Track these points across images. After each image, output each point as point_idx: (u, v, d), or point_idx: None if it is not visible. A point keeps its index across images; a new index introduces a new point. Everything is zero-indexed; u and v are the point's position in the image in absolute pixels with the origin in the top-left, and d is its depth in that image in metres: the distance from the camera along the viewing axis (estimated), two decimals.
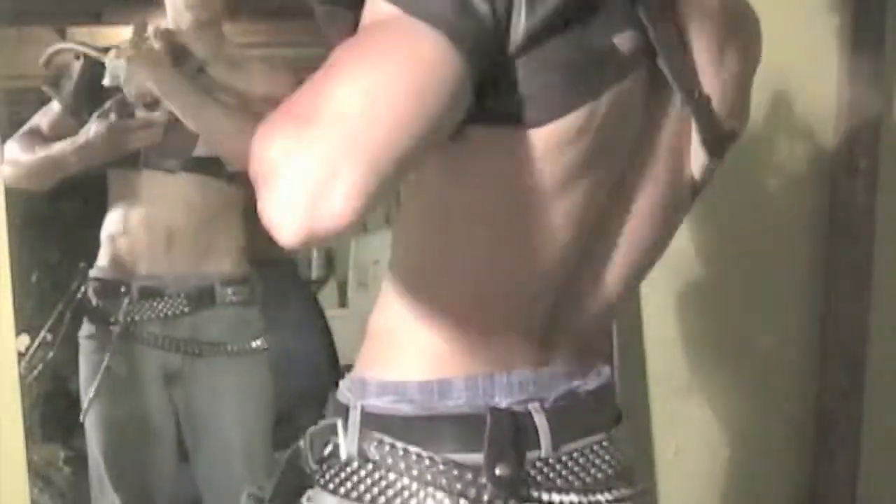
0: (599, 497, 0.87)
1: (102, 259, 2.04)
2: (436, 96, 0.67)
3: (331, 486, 0.85)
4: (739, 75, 0.91)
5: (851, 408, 2.15)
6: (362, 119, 0.64)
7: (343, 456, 0.84)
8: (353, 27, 0.73)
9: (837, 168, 2.11)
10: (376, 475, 0.82)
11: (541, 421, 0.84)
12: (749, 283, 2.18)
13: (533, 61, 0.74)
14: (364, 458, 0.83)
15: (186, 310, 1.97)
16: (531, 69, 0.74)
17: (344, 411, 0.86)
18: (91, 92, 1.93)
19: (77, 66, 1.92)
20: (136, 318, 1.96)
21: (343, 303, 3.78)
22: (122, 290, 1.97)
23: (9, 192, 1.86)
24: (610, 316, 0.96)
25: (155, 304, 1.96)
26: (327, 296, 3.48)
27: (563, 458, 0.85)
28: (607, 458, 0.89)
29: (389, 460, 0.82)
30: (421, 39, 0.67)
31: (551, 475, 0.84)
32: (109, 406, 2.01)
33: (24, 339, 3.14)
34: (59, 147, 1.97)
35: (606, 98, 0.77)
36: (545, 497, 0.83)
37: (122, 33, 3.38)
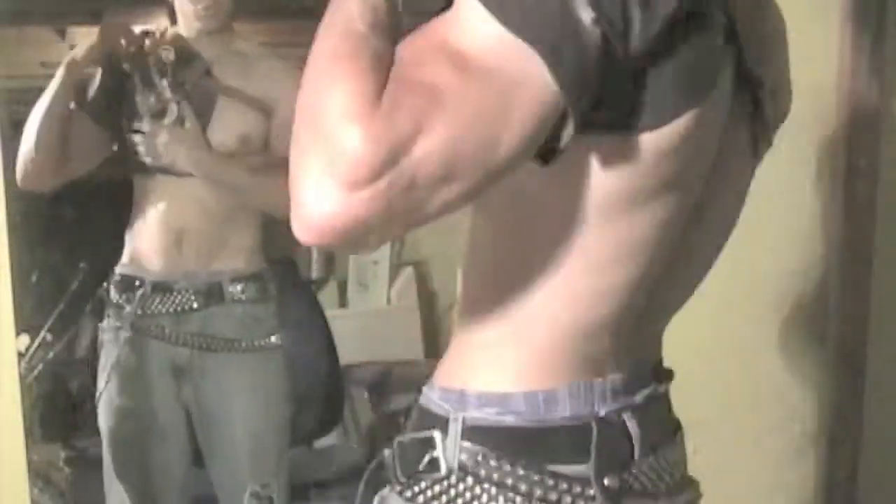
0: (678, 499, 0.89)
1: (125, 257, 2.10)
2: (531, 127, 0.69)
3: (421, 499, 0.84)
4: (787, 58, 0.94)
5: (851, 408, 2.15)
6: (467, 146, 0.67)
7: (442, 470, 0.83)
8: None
9: (837, 168, 2.11)
10: (477, 489, 0.81)
11: (633, 428, 0.85)
12: (749, 282, 2.18)
13: (648, 69, 0.74)
14: (465, 472, 0.82)
15: (195, 305, 2.03)
16: (646, 77, 0.74)
17: (442, 423, 0.84)
18: (112, 97, 1.96)
19: (99, 72, 1.95)
20: (148, 311, 2.02)
21: (343, 303, 3.79)
22: (137, 284, 2.03)
23: (9, 192, 1.86)
24: (672, 316, 0.97)
25: (165, 298, 2.03)
26: (327, 296, 3.49)
27: (651, 463, 0.86)
28: (677, 461, 0.91)
29: (496, 475, 0.81)
30: (524, 72, 0.68)
31: (644, 481, 0.85)
32: (119, 396, 2.04)
33: (24, 339, 3.15)
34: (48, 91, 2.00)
35: (710, 100, 0.78)
36: (641, 502, 0.84)
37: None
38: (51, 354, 3.71)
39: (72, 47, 3.50)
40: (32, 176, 1.98)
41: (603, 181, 0.78)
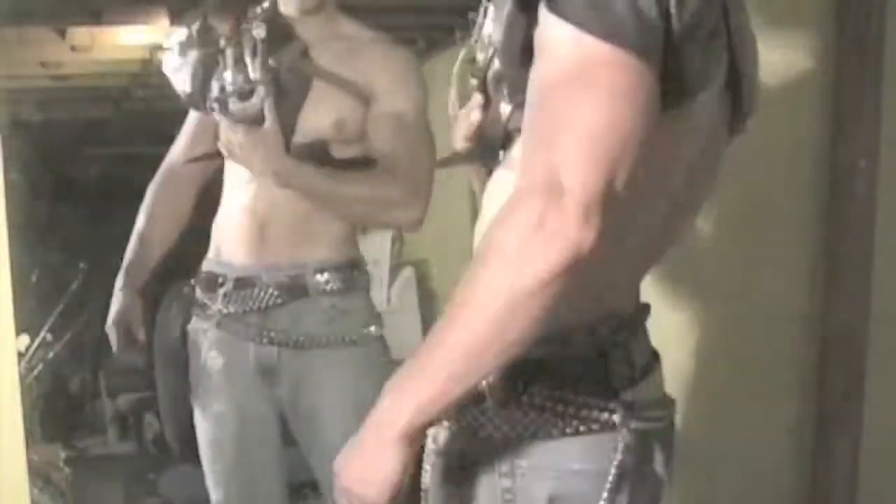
0: (667, 412, 1.06)
1: (210, 251, 2.01)
2: (646, 112, 0.84)
3: (469, 430, 0.99)
4: (758, 64, 1.06)
5: (851, 408, 2.15)
6: (606, 150, 0.81)
7: (488, 402, 0.98)
8: (528, 32, 0.88)
9: (837, 168, 2.12)
10: (519, 414, 0.97)
11: (636, 354, 1.02)
12: (749, 282, 2.18)
13: (681, 53, 0.87)
14: (506, 401, 0.98)
15: (279, 301, 1.91)
16: (680, 59, 0.87)
17: None
18: (200, 79, 1.88)
19: (192, 55, 1.85)
20: (232, 310, 1.93)
21: None
22: (220, 281, 1.94)
23: (9, 192, 1.85)
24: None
25: (248, 295, 1.92)
26: None
27: (648, 382, 1.04)
28: (660, 381, 1.08)
29: (531, 399, 0.97)
30: (621, 71, 0.82)
31: (645, 395, 1.02)
32: (211, 402, 1.97)
33: (24, 339, 3.16)
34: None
35: (714, 85, 0.92)
36: (645, 414, 1.01)
37: (122, 33, 3.39)
38: (51, 354, 3.73)
39: (72, 47, 3.51)
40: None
41: (657, 147, 0.89)
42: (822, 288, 2.16)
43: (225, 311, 1.92)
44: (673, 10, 0.84)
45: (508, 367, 0.95)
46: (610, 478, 0.97)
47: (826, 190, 2.14)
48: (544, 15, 0.84)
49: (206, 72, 1.84)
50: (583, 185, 0.80)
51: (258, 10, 1.83)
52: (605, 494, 0.97)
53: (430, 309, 4.43)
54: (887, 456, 2.13)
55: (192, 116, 2.06)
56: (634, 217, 0.94)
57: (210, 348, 1.92)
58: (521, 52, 0.89)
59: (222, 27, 1.82)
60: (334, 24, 1.92)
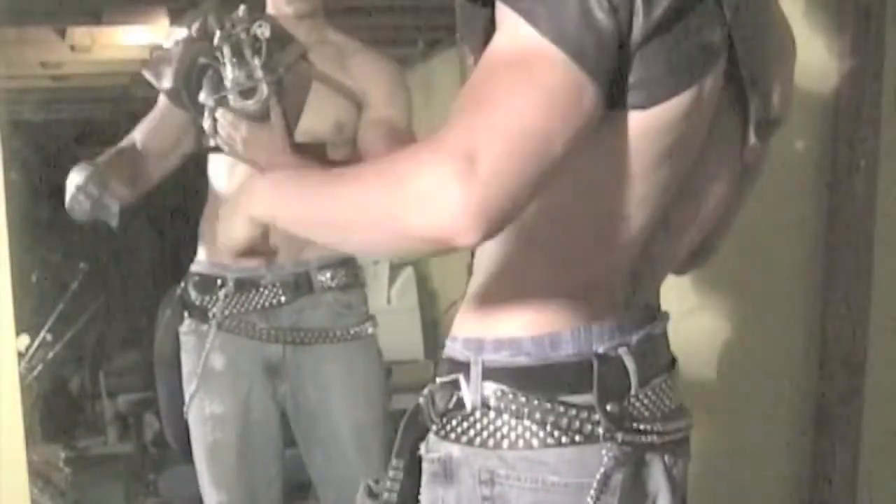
0: (673, 425, 1.01)
1: (200, 253, 1.99)
2: (576, 126, 0.82)
3: (452, 435, 0.97)
4: (790, 69, 1.03)
5: (851, 408, 2.15)
6: (520, 156, 0.80)
7: (468, 406, 0.96)
8: (484, 27, 0.88)
9: (837, 168, 2.12)
10: (498, 422, 0.95)
11: (629, 362, 0.97)
12: (749, 282, 2.18)
13: (647, 54, 0.85)
14: (487, 407, 0.95)
15: (283, 299, 1.92)
16: (644, 60, 0.86)
17: (465, 368, 0.97)
18: (190, 75, 1.85)
19: (176, 50, 1.82)
20: (234, 310, 1.92)
21: None
22: (219, 283, 1.93)
23: (9, 192, 1.85)
24: (666, 274, 1.09)
25: (252, 295, 1.92)
26: None
27: (648, 393, 0.99)
28: (671, 393, 1.04)
29: (513, 407, 0.94)
30: (563, 73, 0.81)
31: (641, 408, 0.98)
32: (211, 404, 1.94)
33: (24, 339, 3.16)
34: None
35: (703, 84, 0.89)
36: (641, 426, 0.97)
37: (122, 33, 3.40)
38: (51, 354, 3.72)
39: (72, 47, 3.51)
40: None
41: (607, 152, 0.90)
42: (822, 288, 2.16)
43: (226, 311, 1.91)
44: (640, 7, 0.83)
45: (493, 372, 0.95)
46: (591, 492, 0.93)
47: (826, 190, 2.14)
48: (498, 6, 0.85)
49: (198, 69, 1.82)
50: (494, 188, 0.80)
51: (240, 12, 1.82)
52: None
53: (430, 309, 4.43)
54: (887, 456, 2.13)
55: (160, 109, 2.01)
56: (610, 222, 0.93)
57: (211, 350, 1.91)
58: (484, 46, 0.88)
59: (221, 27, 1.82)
60: (323, 31, 1.94)
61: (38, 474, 3.00)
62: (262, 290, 1.92)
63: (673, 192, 0.95)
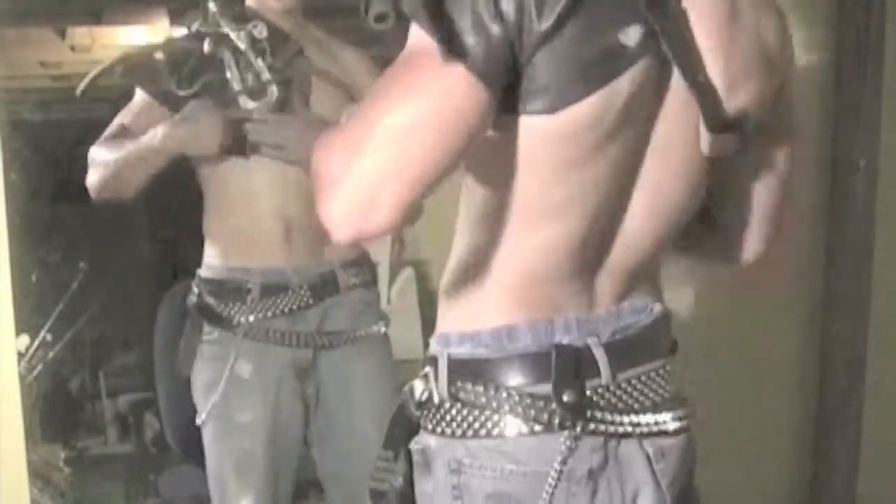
0: (659, 417, 1.02)
1: (212, 259, 1.91)
2: (463, 125, 0.86)
3: (429, 426, 1.00)
4: (753, 59, 0.98)
5: (851, 408, 2.15)
6: (404, 148, 0.85)
7: (436, 399, 1.00)
8: (402, 32, 0.90)
9: (837, 168, 2.12)
10: (465, 412, 0.98)
11: (599, 353, 0.98)
12: (748, 282, 2.18)
13: (548, 57, 0.87)
14: (454, 399, 0.98)
15: (311, 301, 1.87)
16: (546, 64, 0.87)
17: (434, 362, 1.01)
18: (182, 79, 1.82)
19: (162, 55, 1.80)
20: (261, 315, 1.86)
21: None
22: (242, 290, 1.86)
23: (9, 192, 1.85)
24: (648, 265, 1.08)
25: (279, 300, 1.86)
26: None
27: (623, 385, 1.00)
28: (662, 383, 1.04)
29: (473, 398, 0.97)
30: (452, 76, 0.85)
31: (612, 399, 0.99)
32: (236, 413, 1.88)
33: (24, 339, 3.16)
34: (151, 134, 1.80)
35: (617, 86, 0.89)
36: (608, 417, 0.98)
37: (122, 33, 3.40)
38: (51, 354, 3.72)
39: (72, 47, 3.51)
40: (113, 193, 1.88)
41: (533, 155, 0.92)
42: (822, 288, 2.16)
43: (252, 318, 1.86)
44: (532, 14, 0.86)
45: (457, 364, 0.98)
46: (549, 480, 0.95)
47: (826, 190, 2.14)
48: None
49: (181, 74, 1.81)
50: (372, 196, 0.85)
51: (214, 10, 1.79)
52: (544, 496, 0.95)
53: (430, 309, 4.43)
54: (887, 456, 2.13)
55: (136, 105, 1.97)
56: (546, 221, 0.96)
57: (237, 357, 1.87)
58: None
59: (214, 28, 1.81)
60: (306, 27, 1.93)
61: (38, 474, 3.00)
62: (289, 293, 1.87)
63: (611, 187, 0.96)
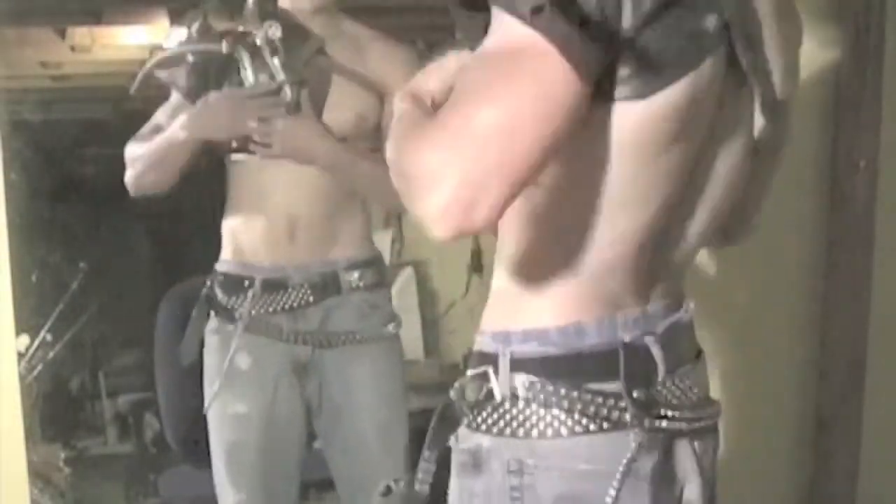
0: (702, 412, 1.04)
1: (226, 252, 1.97)
2: (563, 119, 0.84)
3: (483, 426, 0.99)
4: (794, 51, 1.05)
5: (851, 408, 2.15)
6: (507, 145, 0.83)
7: (497, 397, 0.99)
8: (485, 28, 0.89)
9: (837, 168, 2.12)
10: (527, 411, 0.97)
11: (656, 350, 1.00)
12: (749, 282, 2.18)
13: (640, 44, 0.88)
14: (516, 397, 0.98)
15: (311, 300, 1.91)
16: (638, 51, 0.88)
17: (493, 360, 1.00)
18: (207, 76, 1.85)
19: (188, 51, 1.82)
20: (261, 311, 1.90)
21: None
22: (246, 284, 1.91)
23: (9, 192, 1.85)
24: (690, 260, 1.11)
25: (279, 296, 1.90)
26: None
27: (675, 381, 1.02)
28: (697, 381, 1.06)
29: (541, 396, 0.97)
30: (549, 68, 0.83)
31: (668, 396, 1.01)
32: (235, 404, 1.93)
33: (24, 339, 3.16)
34: (173, 126, 1.86)
35: (700, 73, 0.91)
36: (669, 413, 0.99)
37: (122, 33, 3.39)
38: (51, 354, 3.73)
39: (72, 47, 3.51)
40: (148, 188, 1.92)
41: (613, 143, 0.92)
42: (822, 288, 2.16)
43: (253, 312, 1.90)
44: (628, 4, 0.86)
45: (521, 363, 0.98)
46: (617, 475, 0.95)
47: (826, 190, 2.14)
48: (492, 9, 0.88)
49: (205, 71, 1.83)
50: (474, 189, 0.83)
51: (251, 7, 1.81)
52: (611, 493, 0.95)
53: (430, 309, 4.43)
54: (887, 456, 2.13)
55: (171, 105, 1.98)
56: (622, 211, 0.95)
57: (237, 349, 1.90)
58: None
59: (222, 27, 1.82)
60: (338, 22, 1.92)
61: (38, 474, 3.00)
62: (289, 290, 1.90)
63: (683, 177, 0.97)
